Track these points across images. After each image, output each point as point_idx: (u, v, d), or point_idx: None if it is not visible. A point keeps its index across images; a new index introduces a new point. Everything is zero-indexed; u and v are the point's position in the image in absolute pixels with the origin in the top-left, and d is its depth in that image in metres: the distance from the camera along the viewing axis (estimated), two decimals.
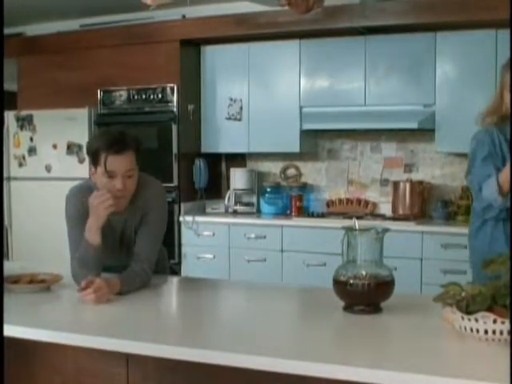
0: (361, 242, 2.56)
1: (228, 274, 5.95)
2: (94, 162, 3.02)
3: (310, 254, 5.64)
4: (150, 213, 3.13)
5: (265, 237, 5.87)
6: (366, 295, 2.53)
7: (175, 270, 5.94)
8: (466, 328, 2.15)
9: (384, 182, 6.12)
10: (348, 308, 2.57)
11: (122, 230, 3.19)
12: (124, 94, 6.44)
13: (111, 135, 3.04)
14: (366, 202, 6.15)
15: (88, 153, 3.09)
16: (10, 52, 6.79)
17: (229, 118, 6.29)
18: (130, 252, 3.14)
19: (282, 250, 5.80)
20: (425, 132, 5.76)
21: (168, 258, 3.68)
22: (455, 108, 5.44)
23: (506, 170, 3.22)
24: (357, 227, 2.60)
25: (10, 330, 2.39)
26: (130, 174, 3.02)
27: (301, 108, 6.02)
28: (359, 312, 2.54)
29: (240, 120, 6.25)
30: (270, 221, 6.01)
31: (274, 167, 6.61)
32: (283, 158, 6.51)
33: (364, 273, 2.53)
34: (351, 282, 2.53)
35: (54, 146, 6.58)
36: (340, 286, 2.57)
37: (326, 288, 2.79)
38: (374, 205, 6.14)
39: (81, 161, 6.34)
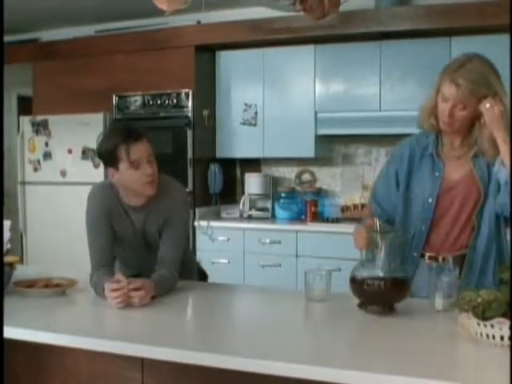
0: (380, 244, 2.60)
1: (243, 279, 5.95)
2: (114, 161, 2.96)
3: (324, 260, 5.62)
4: (173, 218, 3.10)
5: (279, 242, 5.86)
6: (381, 294, 2.55)
7: None
8: (481, 334, 2.14)
9: None
10: (362, 306, 2.60)
11: (143, 228, 3.17)
12: (139, 99, 6.46)
13: (123, 129, 3.05)
14: None
15: (104, 155, 3.03)
16: (25, 57, 6.86)
17: (243, 123, 6.29)
18: (153, 255, 3.13)
19: (296, 255, 5.79)
20: None
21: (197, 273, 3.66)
22: None
23: None
24: (378, 227, 2.64)
25: (24, 334, 2.41)
26: (151, 159, 3.01)
27: (316, 113, 6.02)
28: (373, 312, 2.56)
29: (255, 125, 6.25)
30: (285, 226, 6.01)
31: (288, 172, 6.61)
32: (298, 163, 6.51)
33: (380, 273, 2.56)
34: (367, 280, 2.56)
35: (69, 151, 6.61)
36: (356, 284, 2.60)
37: (340, 293, 2.79)
38: None
39: (96, 166, 6.36)
